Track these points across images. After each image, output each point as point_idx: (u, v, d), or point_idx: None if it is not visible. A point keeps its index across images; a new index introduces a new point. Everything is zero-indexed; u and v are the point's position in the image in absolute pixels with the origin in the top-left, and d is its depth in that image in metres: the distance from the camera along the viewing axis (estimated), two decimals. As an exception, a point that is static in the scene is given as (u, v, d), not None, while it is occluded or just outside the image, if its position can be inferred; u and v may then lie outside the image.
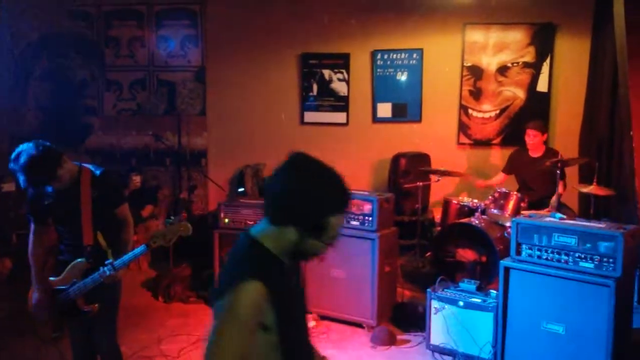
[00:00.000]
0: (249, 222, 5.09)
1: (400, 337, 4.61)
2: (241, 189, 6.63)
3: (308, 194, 1.75)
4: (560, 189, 5.35)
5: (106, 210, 3.25)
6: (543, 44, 6.57)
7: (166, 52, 7.08)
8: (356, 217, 4.84)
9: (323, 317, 4.92)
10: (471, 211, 5.49)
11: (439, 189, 6.39)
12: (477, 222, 5.16)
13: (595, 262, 3.62)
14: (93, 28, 7.13)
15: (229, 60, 7.00)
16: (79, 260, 3.16)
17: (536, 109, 6.58)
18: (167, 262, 5.79)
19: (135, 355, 4.30)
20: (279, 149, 6.86)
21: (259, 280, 1.69)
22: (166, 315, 5.13)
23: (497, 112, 6.76)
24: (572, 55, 6.53)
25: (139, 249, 3.09)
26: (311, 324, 4.82)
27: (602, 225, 3.84)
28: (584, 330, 3.64)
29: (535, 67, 6.62)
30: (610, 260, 3.57)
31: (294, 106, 7.04)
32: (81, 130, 7.19)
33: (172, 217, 3.12)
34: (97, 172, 3.26)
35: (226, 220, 5.17)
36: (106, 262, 3.09)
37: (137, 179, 6.68)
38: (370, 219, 4.78)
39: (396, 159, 6.66)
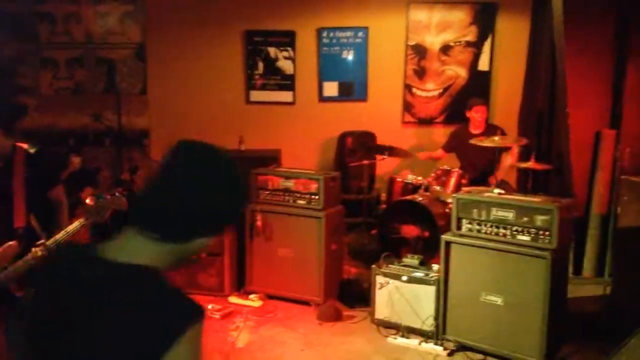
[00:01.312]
0: (193, 203, 5.01)
1: (347, 312, 4.66)
2: (186, 170, 6.50)
3: (227, 202, 1.38)
4: (509, 160, 5.57)
5: (40, 191, 3.14)
6: (484, 23, 6.69)
7: (104, 28, 6.82)
8: (302, 195, 4.84)
9: (270, 297, 4.92)
10: (415, 188, 5.59)
11: (385, 167, 6.46)
12: (420, 199, 5.25)
13: (532, 235, 3.75)
14: (23, 3, 6.77)
15: (170, 37, 6.81)
16: (10, 243, 3.03)
17: (478, 87, 6.73)
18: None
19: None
20: (224, 128, 6.88)
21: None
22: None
23: (440, 90, 6.87)
24: (512, 35, 6.68)
25: (72, 227, 2.99)
26: (258, 303, 4.82)
27: (538, 199, 3.97)
28: (522, 300, 3.77)
29: (477, 46, 6.75)
30: (547, 232, 3.70)
31: (239, 84, 6.94)
32: (15, 110, 6.87)
33: (104, 195, 3.02)
34: (32, 151, 3.14)
35: (169, 201, 5.06)
36: (37, 243, 2.97)
37: (76, 160, 6.45)
38: (317, 197, 4.78)
39: (343, 137, 6.70)
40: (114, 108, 6.68)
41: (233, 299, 4.91)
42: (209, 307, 4.68)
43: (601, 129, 5.18)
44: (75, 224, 2.99)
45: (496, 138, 5.27)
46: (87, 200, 3.06)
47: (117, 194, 3.07)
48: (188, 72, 6.87)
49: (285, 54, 6.88)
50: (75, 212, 5.01)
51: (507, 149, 5.64)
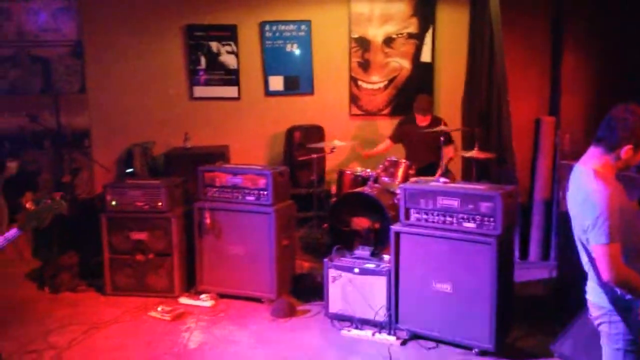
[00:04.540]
0: (138, 204, 4.87)
1: (300, 307, 4.65)
2: (130, 170, 6.32)
3: None
4: (451, 153, 5.68)
5: None
6: (425, 14, 6.78)
7: (37, 25, 6.53)
8: (251, 191, 4.78)
9: (222, 295, 4.85)
10: (364, 180, 5.61)
11: (334, 160, 6.48)
12: (369, 190, 5.28)
13: (477, 222, 3.82)
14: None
15: (108, 33, 6.58)
16: None
17: (421, 79, 6.82)
18: (51, 250, 5.44)
19: (20, 350, 4.02)
20: (168, 125, 6.73)
21: None
22: (53, 306, 4.83)
23: (385, 83, 6.92)
24: (452, 26, 6.79)
25: (11, 233, 2.87)
26: (209, 303, 4.75)
27: (482, 187, 4.05)
28: (470, 286, 3.84)
29: (419, 38, 6.82)
30: (491, 219, 3.77)
31: (182, 80, 6.79)
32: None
33: (44, 199, 2.92)
34: None
35: (113, 202, 4.91)
36: None
37: (12, 166, 6.14)
38: (266, 193, 4.73)
39: (290, 132, 6.67)
40: (51, 108, 6.43)
41: (184, 300, 4.82)
42: (159, 309, 4.58)
43: (541, 116, 5.34)
44: (15, 231, 2.88)
45: (441, 128, 5.36)
46: (27, 205, 2.95)
47: (57, 198, 2.97)
48: (128, 69, 6.68)
49: (228, 48, 6.77)
50: (15, 217, 4.81)
51: (448, 142, 5.77)
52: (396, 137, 6.17)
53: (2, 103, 6.59)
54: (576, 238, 2.51)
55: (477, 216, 3.81)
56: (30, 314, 4.67)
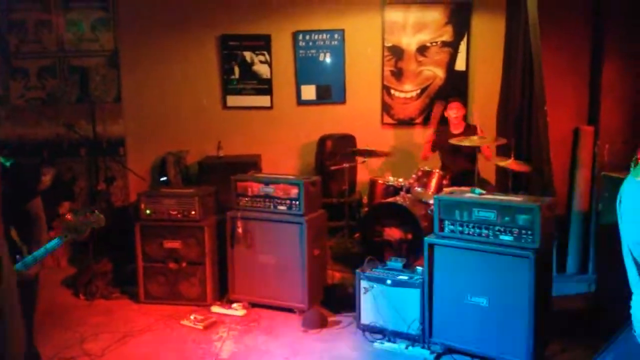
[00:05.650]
0: (172, 213, 4.91)
1: (332, 319, 4.61)
2: (164, 178, 6.39)
3: None
4: (488, 152, 5.56)
5: (17, 204, 3.05)
6: (460, 23, 6.70)
7: (76, 36, 6.68)
8: (283, 201, 4.77)
9: (254, 305, 4.85)
10: (396, 190, 5.56)
11: (366, 170, 6.43)
12: (402, 201, 5.22)
13: (515, 235, 3.73)
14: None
15: (144, 43, 6.70)
16: None
17: (455, 87, 6.74)
18: (87, 257, 5.52)
19: (56, 357, 4.08)
20: (202, 134, 6.79)
21: None
22: (88, 313, 4.90)
23: (418, 91, 6.86)
24: (488, 34, 6.70)
25: (51, 244, 2.92)
26: (241, 312, 4.74)
27: (519, 198, 3.96)
28: (506, 301, 3.75)
29: (453, 46, 6.75)
30: (529, 232, 3.68)
31: (215, 90, 6.85)
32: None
33: (81, 210, 2.97)
34: (7, 164, 3.07)
35: (147, 211, 4.95)
36: (17, 258, 2.89)
37: (46, 179, 6.18)
38: (297, 203, 4.72)
39: (322, 141, 6.65)
40: (87, 117, 6.55)
41: (216, 309, 4.83)
42: (192, 317, 4.59)
43: (579, 125, 5.20)
44: (55, 242, 2.92)
45: (475, 138, 5.26)
46: (67, 217, 3.01)
47: (95, 211, 3.01)
48: (163, 78, 6.77)
49: (262, 57, 6.81)
50: (53, 225, 4.91)
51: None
52: (433, 146, 6.06)
53: (41, 112, 6.75)
54: (624, 251, 2.41)
55: (515, 229, 3.72)
56: (66, 320, 4.74)
